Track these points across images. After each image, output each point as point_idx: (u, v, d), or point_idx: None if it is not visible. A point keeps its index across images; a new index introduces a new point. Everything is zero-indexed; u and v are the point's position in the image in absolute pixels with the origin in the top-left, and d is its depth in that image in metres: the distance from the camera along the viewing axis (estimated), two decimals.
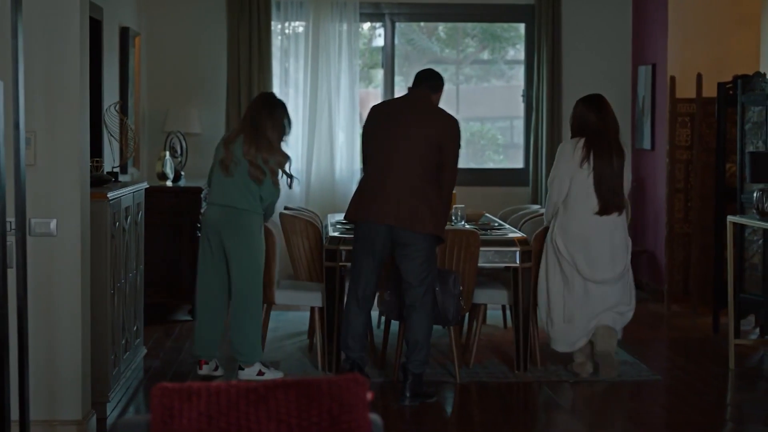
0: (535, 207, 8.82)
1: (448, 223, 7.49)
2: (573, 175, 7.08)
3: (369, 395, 2.95)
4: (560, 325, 7.17)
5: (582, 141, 7.07)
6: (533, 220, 8.01)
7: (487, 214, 8.48)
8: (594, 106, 7.12)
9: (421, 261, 6.56)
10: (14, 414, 5.09)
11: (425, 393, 6.65)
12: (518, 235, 7.33)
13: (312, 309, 7.44)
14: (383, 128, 6.68)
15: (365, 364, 6.83)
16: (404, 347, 6.81)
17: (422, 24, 11.37)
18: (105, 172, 6.80)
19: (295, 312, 9.04)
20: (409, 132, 6.57)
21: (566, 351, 7.26)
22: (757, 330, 8.62)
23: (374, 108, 6.92)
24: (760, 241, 8.30)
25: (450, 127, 6.62)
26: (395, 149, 6.56)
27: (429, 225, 6.50)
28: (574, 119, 7.17)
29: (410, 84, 6.93)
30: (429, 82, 6.79)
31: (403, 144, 6.55)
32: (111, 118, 7.48)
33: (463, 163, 11.18)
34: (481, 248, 7.04)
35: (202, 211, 9.18)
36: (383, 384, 7.00)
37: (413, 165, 6.51)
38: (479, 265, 7.06)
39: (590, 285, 7.12)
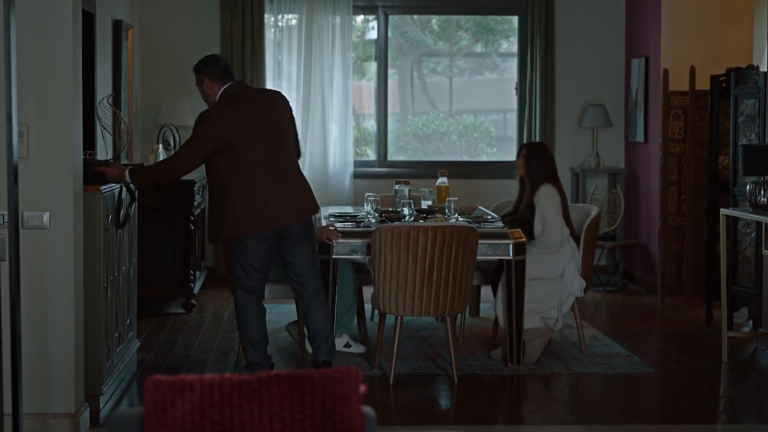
0: None
1: (442, 217, 7.51)
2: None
3: (362, 388, 2.95)
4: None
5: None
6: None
7: (481, 207, 8.48)
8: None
9: (311, 246, 6.65)
10: (7, 407, 5.10)
11: None
12: (511, 227, 7.33)
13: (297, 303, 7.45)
14: (252, 129, 6.38)
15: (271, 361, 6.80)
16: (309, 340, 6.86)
17: (415, 17, 11.37)
18: None
19: (289, 305, 9.03)
20: (273, 125, 6.46)
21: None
22: (750, 322, 8.63)
23: (222, 110, 6.42)
24: (753, 234, 8.31)
25: (287, 99, 6.75)
26: (271, 146, 6.43)
27: (314, 208, 6.62)
28: (547, 166, 7.53)
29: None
30: (228, 72, 6.55)
31: (275, 137, 6.45)
32: (104, 111, 7.46)
33: (456, 156, 11.29)
34: None
35: (195, 203, 9.19)
36: (377, 377, 7.01)
37: (289, 156, 6.54)
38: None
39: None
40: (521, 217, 7.51)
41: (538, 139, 10.72)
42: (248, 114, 6.42)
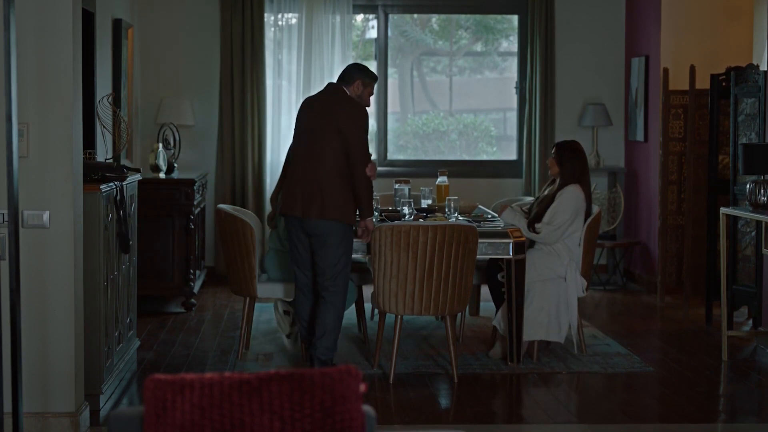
0: (529, 199, 8.82)
1: (442, 216, 7.50)
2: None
3: (362, 387, 2.95)
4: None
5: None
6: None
7: (480, 206, 8.47)
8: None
9: (333, 248, 6.77)
10: (7, 406, 5.10)
11: None
12: (511, 227, 7.32)
13: None
14: (302, 123, 6.91)
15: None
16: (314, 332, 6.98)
17: (415, 16, 11.36)
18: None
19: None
20: (318, 124, 6.79)
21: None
22: (750, 321, 8.63)
23: (303, 102, 7.13)
24: (753, 233, 8.31)
25: (351, 114, 6.76)
26: (308, 142, 6.79)
27: (335, 212, 6.72)
28: (580, 164, 7.48)
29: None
30: (343, 76, 6.99)
31: (314, 136, 6.77)
32: (104, 110, 7.46)
33: (456, 155, 11.29)
34: None
35: (195, 203, 9.19)
36: (377, 376, 7.02)
37: (323, 156, 6.72)
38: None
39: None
40: (539, 211, 7.45)
41: (538, 138, 10.73)
42: (311, 110, 6.89)
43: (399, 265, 6.79)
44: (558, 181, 7.48)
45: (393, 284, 6.82)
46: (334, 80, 10.76)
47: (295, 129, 6.98)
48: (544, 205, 7.44)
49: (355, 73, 6.94)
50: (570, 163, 7.44)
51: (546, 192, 7.56)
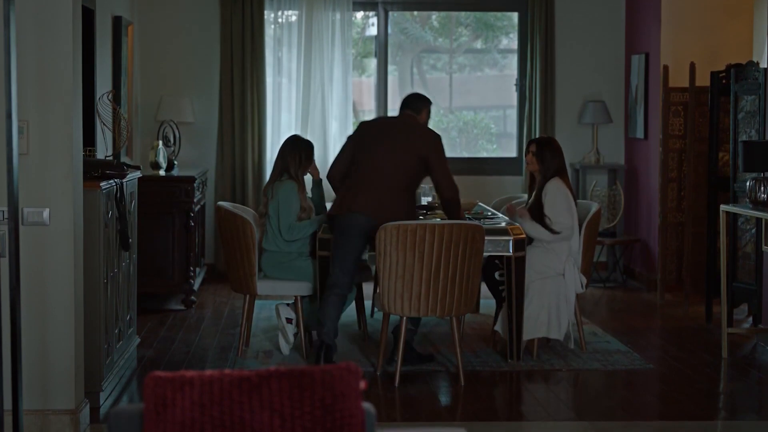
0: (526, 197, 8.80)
1: (443, 214, 7.50)
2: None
3: (362, 384, 2.95)
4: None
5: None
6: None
7: (480, 203, 8.47)
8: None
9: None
10: (7, 404, 5.10)
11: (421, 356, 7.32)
12: (511, 224, 7.32)
13: (296, 298, 7.46)
14: (372, 141, 7.14)
15: (335, 346, 7.08)
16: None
17: (415, 13, 11.36)
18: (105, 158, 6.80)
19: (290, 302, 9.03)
20: (395, 145, 7.09)
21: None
22: (750, 319, 8.63)
23: (364, 123, 7.44)
24: (753, 230, 8.31)
25: (432, 141, 7.17)
26: (382, 159, 7.05)
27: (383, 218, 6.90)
28: (559, 160, 7.53)
29: (399, 100, 7.60)
30: (411, 106, 7.38)
31: (389, 155, 7.04)
32: (104, 108, 7.46)
33: (456, 152, 11.29)
34: None
35: (195, 200, 9.19)
36: (377, 373, 7.01)
37: (395, 173, 7.00)
38: None
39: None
40: (537, 215, 7.45)
41: (538, 135, 10.71)
42: (374, 134, 7.19)
43: (405, 265, 6.72)
44: (538, 179, 7.52)
45: (398, 285, 6.74)
46: (333, 79, 10.90)
47: (360, 140, 7.18)
48: (536, 208, 7.45)
49: (421, 103, 7.41)
50: (550, 159, 7.48)
51: (533, 195, 7.58)
